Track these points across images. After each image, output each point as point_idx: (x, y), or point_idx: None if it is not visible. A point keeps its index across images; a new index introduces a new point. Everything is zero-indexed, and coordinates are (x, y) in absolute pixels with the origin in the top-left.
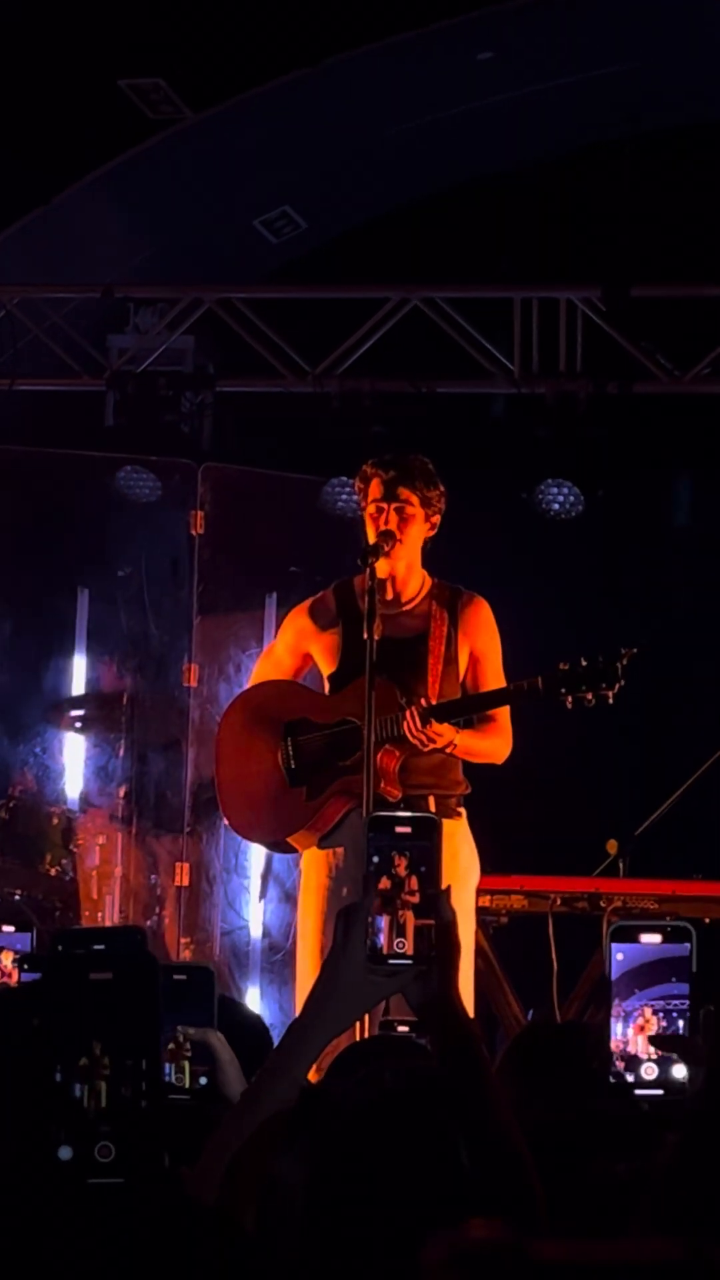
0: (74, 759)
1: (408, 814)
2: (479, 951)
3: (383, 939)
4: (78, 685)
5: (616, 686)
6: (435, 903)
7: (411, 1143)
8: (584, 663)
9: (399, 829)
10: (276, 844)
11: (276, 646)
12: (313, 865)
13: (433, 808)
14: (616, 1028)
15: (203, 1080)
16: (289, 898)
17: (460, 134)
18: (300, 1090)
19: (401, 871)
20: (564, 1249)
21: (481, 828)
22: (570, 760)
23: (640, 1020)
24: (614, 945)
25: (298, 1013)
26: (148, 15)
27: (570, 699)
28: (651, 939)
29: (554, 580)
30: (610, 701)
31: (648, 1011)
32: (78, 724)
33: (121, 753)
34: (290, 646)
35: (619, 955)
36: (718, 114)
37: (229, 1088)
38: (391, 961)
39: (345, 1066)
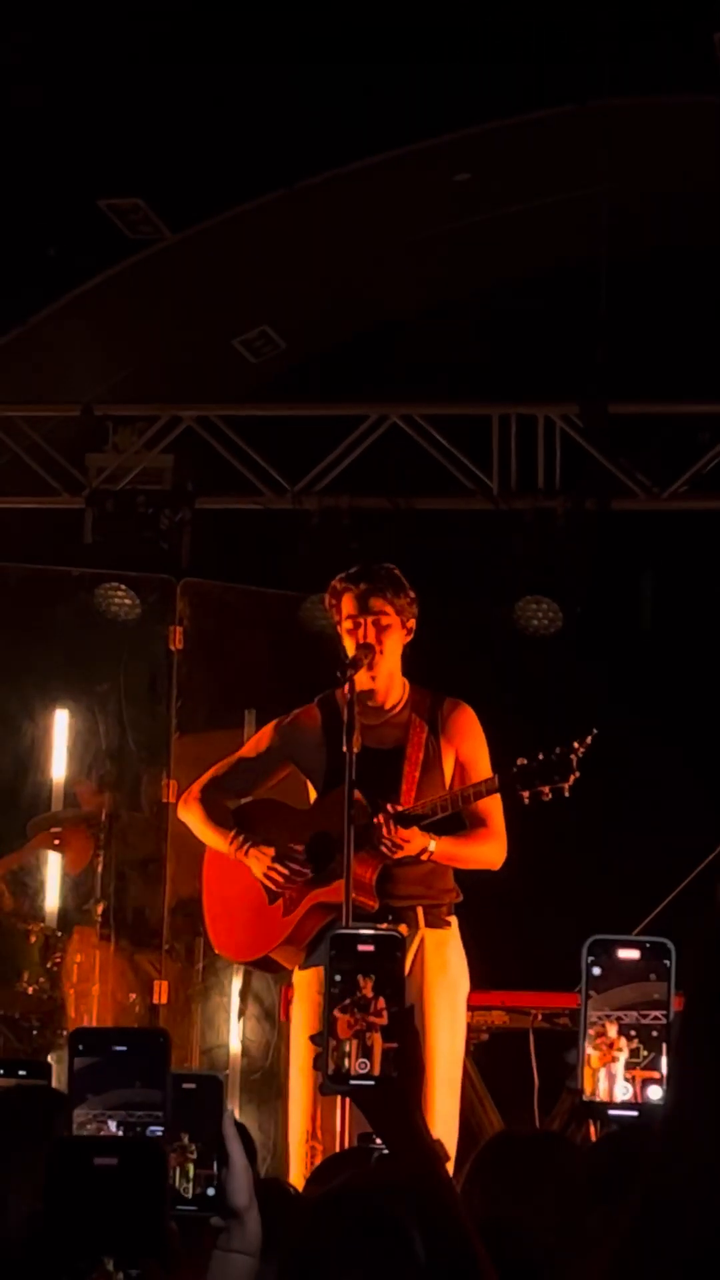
0: (51, 876)
1: (370, 931)
2: None
3: (348, 1060)
4: (56, 802)
5: (571, 778)
6: (401, 1022)
7: (366, 1236)
8: (540, 756)
9: (361, 947)
10: (263, 961)
11: (248, 749)
12: (304, 985)
13: (421, 918)
14: (586, 1045)
15: (210, 1190)
16: (268, 1016)
17: (438, 253)
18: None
19: (368, 993)
20: None
21: (462, 942)
22: (550, 872)
23: (608, 1036)
24: (589, 958)
25: (287, 1131)
26: (127, 135)
27: (527, 795)
28: (629, 954)
29: (534, 696)
30: (566, 795)
31: (611, 1031)
32: (55, 841)
33: (100, 870)
34: (261, 752)
35: (595, 970)
36: (693, 234)
37: (237, 1196)
38: (354, 1081)
39: (326, 1175)
